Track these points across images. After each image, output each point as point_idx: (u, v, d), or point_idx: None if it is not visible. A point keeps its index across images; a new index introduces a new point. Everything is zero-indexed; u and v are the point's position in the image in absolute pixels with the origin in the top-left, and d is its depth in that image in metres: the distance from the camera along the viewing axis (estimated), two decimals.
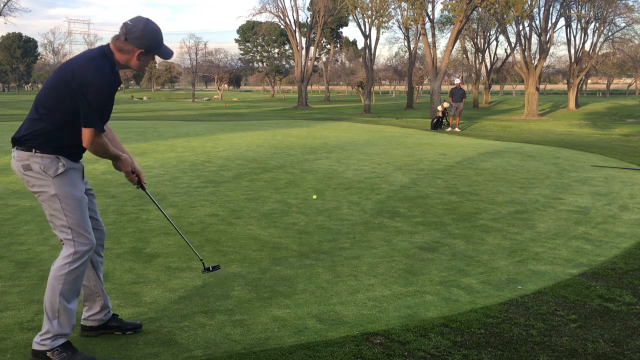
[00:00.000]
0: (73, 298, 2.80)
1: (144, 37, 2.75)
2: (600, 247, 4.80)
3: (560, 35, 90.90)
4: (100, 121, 2.66)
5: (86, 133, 2.65)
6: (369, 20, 29.26)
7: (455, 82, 19.30)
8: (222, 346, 2.91)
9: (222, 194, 6.85)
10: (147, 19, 2.79)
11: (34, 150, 2.69)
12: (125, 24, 2.77)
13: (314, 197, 6.76)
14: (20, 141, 2.71)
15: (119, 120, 21.59)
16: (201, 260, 3.52)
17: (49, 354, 2.69)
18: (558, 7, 29.57)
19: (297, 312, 3.36)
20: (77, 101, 2.60)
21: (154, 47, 2.82)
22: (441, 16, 40.10)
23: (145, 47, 2.77)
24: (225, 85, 69.39)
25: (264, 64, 75.26)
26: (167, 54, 2.90)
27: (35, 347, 2.73)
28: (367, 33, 31.47)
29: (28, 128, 2.70)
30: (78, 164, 2.86)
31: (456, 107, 18.59)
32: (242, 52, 77.49)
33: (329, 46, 65.46)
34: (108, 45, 2.77)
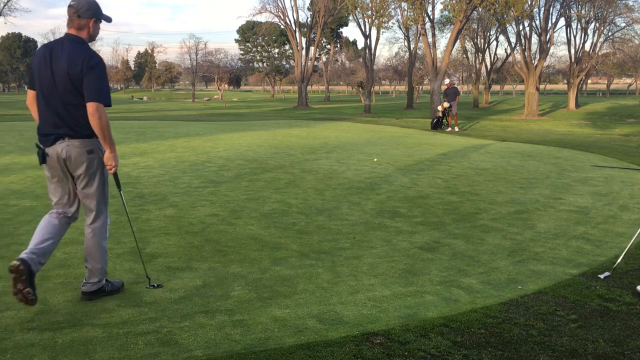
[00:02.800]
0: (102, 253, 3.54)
1: (90, 8, 3.26)
2: (600, 247, 4.80)
3: (560, 35, 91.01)
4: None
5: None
6: (369, 20, 29.26)
7: (446, 83, 19.30)
8: (222, 346, 2.91)
9: (222, 194, 6.85)
10: None
11: (94, 136, 3.31)
12: (71, 6, 3.22)
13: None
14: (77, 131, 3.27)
15: (120, 120, 21.58)
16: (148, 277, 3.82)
17: (103, 288, 3.52)
18: (558, 7, 29.58)
19: (297, 312, 3.36)
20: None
21: (100, 13, 3.34)
22: (441, 16, 40.14)
23: (95, 15, 3.29)
24: (226, 85, 69.38)
25: (264, 64, 75.28)
26: (108, 18, 3.43)
27: (91, 289, 3.47)
28: (367, 33, 31.48)
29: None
30: None
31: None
32: (242, 52, 77.53)
33: (329, 46, 65.47)
34: (71, 35, 3.26)
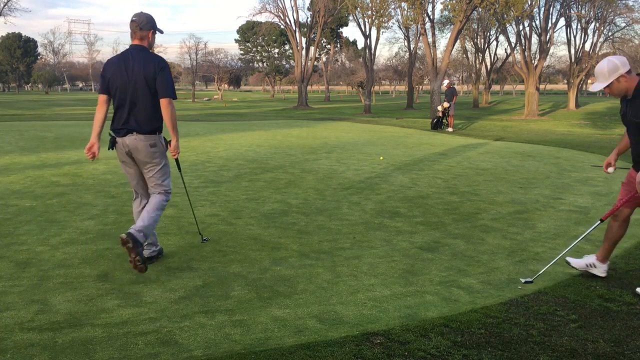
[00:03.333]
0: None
1: (149, 22, 3.97)
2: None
3: (560, 35, 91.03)
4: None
5: None
6: (369, 20, 29.25)
7: (445, 83, 19.31)
8: (222, 346, 2.91)
9: (222, 194, 6.85)
10: (141, 11, 3.99)
11: (157, 132, 4.04)
12: (133, 20, 3.92)
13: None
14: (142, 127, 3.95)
15: None
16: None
17: (148, 255, 4.13)
18: (558, 7, 29.57)
19: (297, 312, 3.36)
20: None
21: (156, 26, 4.03)
22: (441, 16, 40.12)
23: (152, 27, 4.00)
24: (226, 85, 69.37)
25: (264, 64, 75.27)
26: (161, 30, 4.10)
27: (146, 254, 4.11)
28: (367, 33, 31.48)
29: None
30: None
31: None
32: (242, 52, 77.52)
33: (329, 46, 65.47)
34: (137, 45, 3.95)
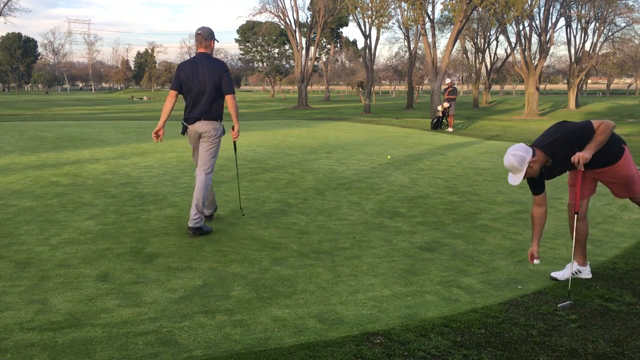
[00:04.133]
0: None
1: (211, 33, 5.04)
2: (600, 247, 4.81)
3: (560, 35, 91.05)
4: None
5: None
6: (369, 20, 29.25)
7: (446, 82, 19.30)
8: (222, 346, 2.91)
9: (222, 194, 6.85)
10: (203, 26, 5.03)
11: (219, 120, 5.14)
12: (199, 33, 4.98)
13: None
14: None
15: (120, 120, 21.59)
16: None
17: (203, 228, 5.03)
18: (558, 7, 29.58)
19: (297, 312, 3.37)
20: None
21: (214, 35, 5.08)
22: (441, 16, 40.10)
23: (213, 37, 5.06)
24: None
25: (264, 64, 75.25)
26: (217, 39, 5.12)
27: (195, 225, 4.94)
28: (367, 33, 31.48)
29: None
30: None
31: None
32: (242, 52, 77.49)
33: (329, 46, 65.46)
34: (203, 53, 5.01)
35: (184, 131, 5.16)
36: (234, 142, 5.73)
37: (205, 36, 4.97)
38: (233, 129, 5.24)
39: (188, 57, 65.37)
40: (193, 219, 4.91)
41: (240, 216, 5.72)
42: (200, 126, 5.03)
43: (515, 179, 3.60)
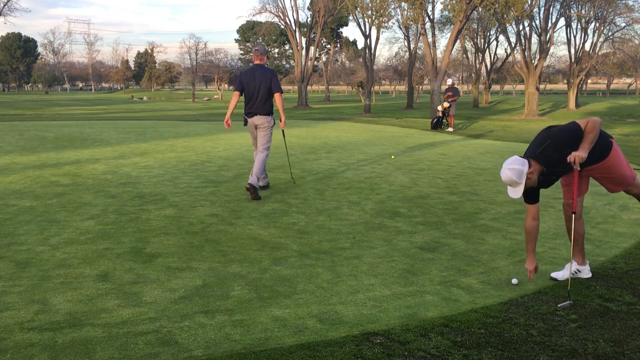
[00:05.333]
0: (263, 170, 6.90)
1: (265, 50, 6.93)
2: (600, 247, 4.81)
3: (560, 35, 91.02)
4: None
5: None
6: (369, 20, 29.25)
7: (448, 83, 19.30)
8: (222, 346, 2.91)
9: (222, 194, 6.85)
10: (261, 44, 6.62)
11: (270, 114, 6.81)
12: (258, 50, 6.82)
13: (392, 157, 9.65)
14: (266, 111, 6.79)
15: (120, 120, 21.59)
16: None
17: (263, 185, 7.02)
18: (558, 7, 29.57)
19: (297, 312, 3.37)
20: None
21: (267, 52, 6.85)
22: (441, 16, 40.13)
23: (266, 53, 6.86)
24: (226, 85, 69.33)
25: None
26: (268, 56, 8.84)
27: (252, 182, 6.47)
28: (367, 33, 31.47)
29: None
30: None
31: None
32: (242, 52, 77.49)
33: (329, 46, 65.44)
34: (258, 64, 6.77)
35: (245, 123, 6.85)
36: (282, 131, 7.44)
37: (262, 52, 6.81)
38: (281, 121, 6.91)
39: (188, 57, 65.30)
40: (251, 181, 6.51)
41: (240, 217, 5.73)
42: (257, 119, 6.74)
43: (516, 192, 3.59)
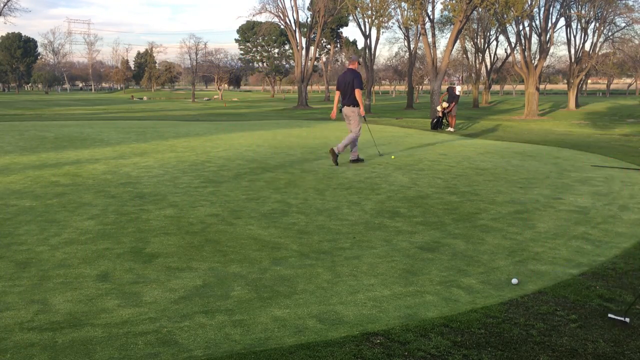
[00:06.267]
0: (354, 145, 9.53)
1: (357, 58, 9.86)
2: (601, 247, 4.81)
3: (560, 35, 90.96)
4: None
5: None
6: (369, 20, 29.26)
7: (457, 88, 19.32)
8: (222, 346, 2.91)
9: (222, 194, 6.85)
10: (354, 53, 9.35)
11: (357, 105, 9.31)
12: (350, 58, 9.99)
13: (393, 157, 10.38)
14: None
15: (119, 120, 21.59)
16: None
17: (353, 158, 9.56)
18: (558, 7, 29.58)
19: (297, 312, 3.37)
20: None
21: (358, 59, 9.96)
22: (441, 16, 40.11)
23: (358, 60, 9.75)
24: (225, 85, 69.34)
25: (264, 64, 75.26)
26: (360, 62, 15.15)
27: (353, 157, 9.55)
28: (367, 33, 31.48)
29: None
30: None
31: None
32: (242, 52, 77.52)
33: (329, 46, 65.46)
34: (350, 68, 9.40)
35: (340, 111, 9.40)
36: (364, 117, 9.55)
37: (352, 59, 9.49)
38: (360, 109, 9.28)
39: (188, 57, 66.09)
40: (335, 148, 9.10)
41: (240, 217, 5.72)
42: (346, 110, 9.30)
43: None
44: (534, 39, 29.94)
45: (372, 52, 33.11)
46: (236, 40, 77.82)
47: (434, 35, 25.45)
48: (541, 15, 28.77)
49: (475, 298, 3.62)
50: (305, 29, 40.59)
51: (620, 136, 17.60)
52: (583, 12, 32.25)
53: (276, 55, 75.01)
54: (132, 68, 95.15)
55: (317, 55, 48.04)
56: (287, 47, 70.64)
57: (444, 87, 19.49)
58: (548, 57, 35.89)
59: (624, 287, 3.81)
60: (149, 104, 48.43)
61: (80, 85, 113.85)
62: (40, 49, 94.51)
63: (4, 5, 40.06)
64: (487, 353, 2.86)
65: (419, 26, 24.83)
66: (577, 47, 34.86)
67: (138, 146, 11.86)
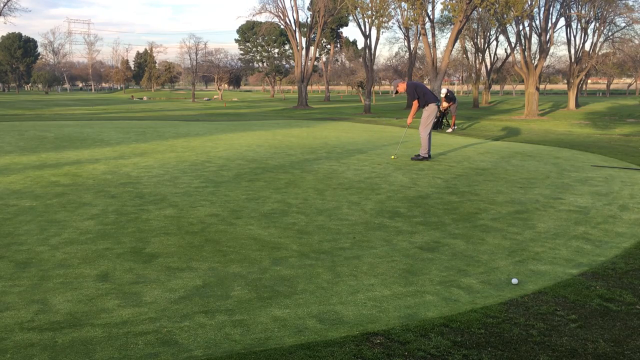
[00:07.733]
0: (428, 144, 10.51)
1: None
2: (600, 247, 4.81)
3: (560, 35, 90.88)
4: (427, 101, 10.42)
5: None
6: (369, 20, 29.26)
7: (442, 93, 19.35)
8: (222, 346, 2.91)
9: (222, 194, 6.85)
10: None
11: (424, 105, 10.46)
12: (396, 81, 10.91)
13: (392, 157, 10.43)
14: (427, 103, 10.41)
15: (119, 120, 21.59)
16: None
17: (421, 158, 10.27)
18: (558, 7, 29.57)
19: (297, 312, 3.37)
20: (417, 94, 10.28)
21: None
22: (441, 16, 40.10)
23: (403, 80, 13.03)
24: (225, 85, 69.34)
25: (264, 64, 75.24)
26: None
27: (416, 158, 10.23)
28: (367, 33, 31.47)
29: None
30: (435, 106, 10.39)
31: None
32: (242, 52, 77.49)
33: (329, 46, 65.46)
34: (407, 80, 15.15)
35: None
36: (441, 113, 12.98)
37: (397, 82, 10.73)
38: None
39: (188, 57, 66.23)
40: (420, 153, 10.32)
41: (240, 217, 5.73)
42: (422, 111, 10.39)
43: None
44: (534, 39, 29.95)
45: (372, 52, 33.11)
46: (236, 40, 77.82)
47: (434, 35, 25.48)
48: (541, 15, 28.77)
49: (475, 298, 3.62)
50: (305, 29, 40.59)
51: (620, 136, 17.60)
52: (583, 12, 32.24)
53: (276, 55, 75.00)
54: (132, 68, 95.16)
55: (317, 55, 48.06)
56: (287, 47, 70.65)
57: (444, 88, 19.48)
58: (548, 57, 35.90)
59: (624, 287, 3.81)
60: (148, 104, 48.43)
61: (80, 85, 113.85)
62: (40, 49, 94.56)
63: (4, 5, 40.08)
64: (487, 353, 2.86)
65: (419, 26, 24.84)
66: (577, 47, 34.86)
67: (138, 146, 11.86)
